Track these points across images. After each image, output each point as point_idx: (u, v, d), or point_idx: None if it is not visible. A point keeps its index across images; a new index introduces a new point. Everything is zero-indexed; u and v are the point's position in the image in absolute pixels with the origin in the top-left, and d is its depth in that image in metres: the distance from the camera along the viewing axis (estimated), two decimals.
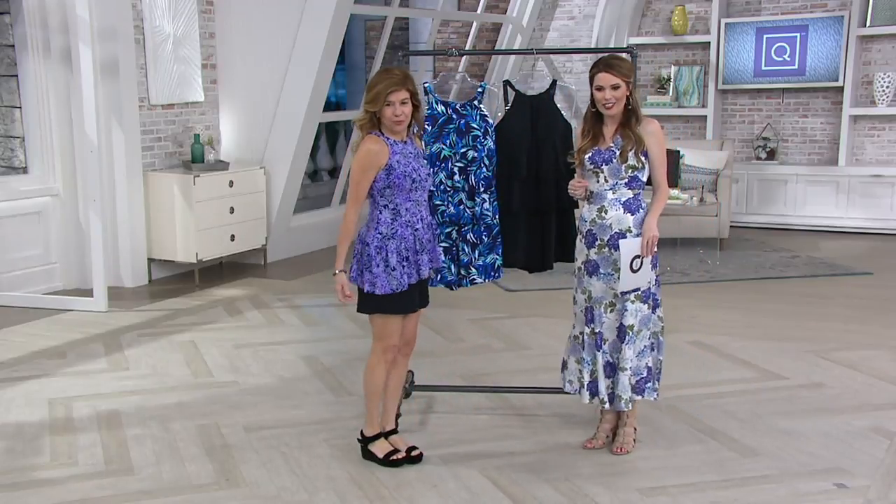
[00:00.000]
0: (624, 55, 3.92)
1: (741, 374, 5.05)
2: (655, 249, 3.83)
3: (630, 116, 3.80)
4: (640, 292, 3.84)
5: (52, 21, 6.67)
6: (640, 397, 3.94)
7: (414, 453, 3.88)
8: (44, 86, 6.78)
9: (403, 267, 3.65)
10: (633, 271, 3.78)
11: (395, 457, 3.84)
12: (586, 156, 3.84)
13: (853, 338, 5.68)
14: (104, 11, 6.63)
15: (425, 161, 3.80)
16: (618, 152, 3.78)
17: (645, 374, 3.91)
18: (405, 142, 3.70)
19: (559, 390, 4.50)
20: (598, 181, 3.85)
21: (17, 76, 6.87)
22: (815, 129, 9.81)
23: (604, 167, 3.81)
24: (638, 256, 3.77)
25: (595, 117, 3.85)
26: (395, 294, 3.65)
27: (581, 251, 3.95)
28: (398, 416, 4.17)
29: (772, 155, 9.82)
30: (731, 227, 8.79)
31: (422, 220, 3.73)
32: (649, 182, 3.91)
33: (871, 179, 9.16)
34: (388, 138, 3.65)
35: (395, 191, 3.63)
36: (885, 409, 4.49)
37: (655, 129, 3.83)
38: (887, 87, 9.13)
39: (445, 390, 4.69)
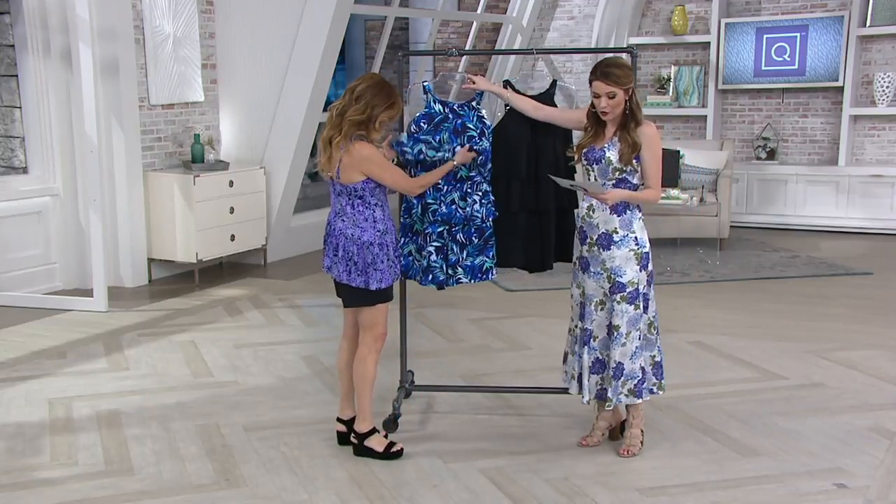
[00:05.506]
0: (623, 56, 3.87)
1: (741, 374, 5.05)
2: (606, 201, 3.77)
3: (629, 120, 3.76)
4: (626, 293, 3.80)
5: (52, 21, 6.67)
6: (638, 400, 3.92)
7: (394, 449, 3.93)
8: (44, 86, 6.78)
9: (398, 256, 3.93)
10: (569, 185, 3.87)
11: (394, 448, 3.88)
12: (584, 150, 3.87)
13: (853, 338, 5.68)
14: (104, 11, 6.63)
15: None
16: (606, 153, 3.77)
17: (640, 376, 3.89)
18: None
19: (559, 390, 4.51)
20: (589, 179, 3.88)
21: (17, 76, 6.87)
22: (815, 129, 9.81)
23: (594, 166, 3.83)
24: (583, 189, 3.81)
25: (596, 116, 3.83)
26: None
27: (576, 246, 4.01)
28: (398, 415, 4.18)
29: (772, 155, 9.82)
30: (731, 227, 8.79)
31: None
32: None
33: (871, 179, 9.16)
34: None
35: (383, 190, 3.84)
36: (885, 409, 4.49)
37: (647, 133, 3.77)
38: (887, 87, 9.13)
39: (445, 390, 4.69)
